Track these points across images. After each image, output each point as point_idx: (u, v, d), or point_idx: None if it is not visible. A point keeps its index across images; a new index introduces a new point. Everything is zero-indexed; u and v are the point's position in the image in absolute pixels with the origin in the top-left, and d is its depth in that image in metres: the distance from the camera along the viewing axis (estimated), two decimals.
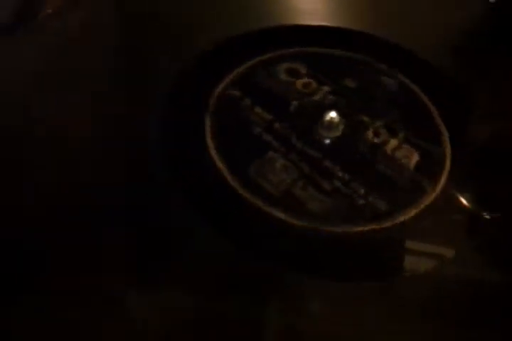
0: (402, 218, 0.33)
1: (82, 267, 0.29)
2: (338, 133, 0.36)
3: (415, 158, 0.36)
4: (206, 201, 0.33)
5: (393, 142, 0.37)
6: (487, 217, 0.34)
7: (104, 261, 0.30)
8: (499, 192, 0.35)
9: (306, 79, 0.39)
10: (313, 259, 0.32)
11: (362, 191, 0.34)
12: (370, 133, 0.37)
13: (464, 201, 0.34)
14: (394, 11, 0.44)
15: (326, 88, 0.39)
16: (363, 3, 0.44)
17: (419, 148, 0.37)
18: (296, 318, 0.30)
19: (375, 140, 0.37)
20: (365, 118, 0.38)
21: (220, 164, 0.34)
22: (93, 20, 0.39)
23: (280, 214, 0.33)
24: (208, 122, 0.36)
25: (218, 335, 0.29)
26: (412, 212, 0.33)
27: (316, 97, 0.38)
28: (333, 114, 0.36)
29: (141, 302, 0.29)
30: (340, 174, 0.35)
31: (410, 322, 0.30)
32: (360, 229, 0.33)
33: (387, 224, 0.33)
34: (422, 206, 0.34)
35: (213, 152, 0.34)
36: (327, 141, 0.36)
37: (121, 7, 0.40)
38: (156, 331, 0.28)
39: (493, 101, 0.39)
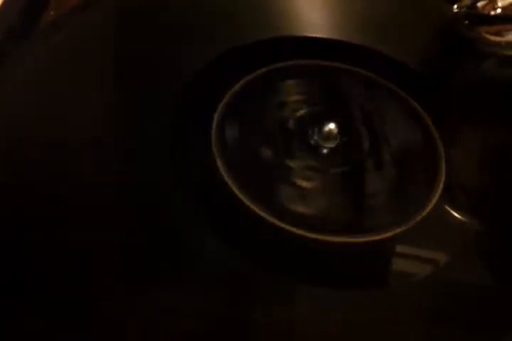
0: (398, 229, 0.35)
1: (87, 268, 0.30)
2: (335, 143, 0.38)
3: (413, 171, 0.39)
4: (209, 206, 0.34)
5: (387, 157, 0.39)
6: (478, 227, 0.36)
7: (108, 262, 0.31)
8: (490, 205, 0.38)
9: (304, 91, 0.41)
10: (313, 268, 0.33)
11: (361, 203, 0.36)
12: (366, 145, 0.39)
13: (456, 214, 0.37)
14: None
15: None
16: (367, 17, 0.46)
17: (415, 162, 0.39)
18: (297, 326, 0.31)
19: (372, 154, 0.39)
20: (362, 130, 0.39)
21: (223, 171, 0.35)
22: (102, 23, 0.39)
23: (280, 224, 0.34)
24: (214, 128, 0.37)
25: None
26: (409, 224, 0.35)
27: (314, 108, 0.40)
28: (331, 126, 0.38)
29: (141, 302, 0.30)
30: (340, 185, 0.37)
31: (405, 326, 0.32)
32: (358, 239, 0.34)
33: (385, 234, 0.35)
34: (418, 218, 0.36)
35: (218, 161, 0.36)
36: (325, 151, 0.38)
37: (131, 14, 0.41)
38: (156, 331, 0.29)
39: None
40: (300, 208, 0.35)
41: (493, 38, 0.43)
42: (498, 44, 0.43)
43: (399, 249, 0.35)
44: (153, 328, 0.29)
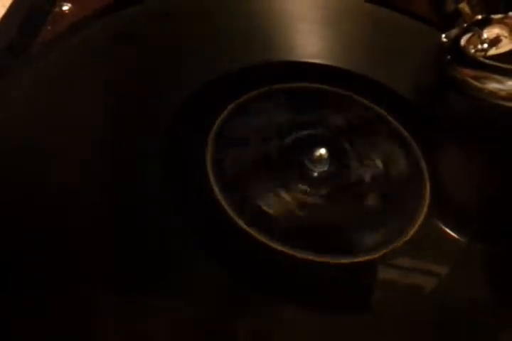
0: (390, 248, 0.36)
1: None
2: (326, 167, 0.39)
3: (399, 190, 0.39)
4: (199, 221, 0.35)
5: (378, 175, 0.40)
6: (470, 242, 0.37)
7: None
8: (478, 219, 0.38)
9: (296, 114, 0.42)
10: (308, 290, 0.34)
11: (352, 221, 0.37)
12: (355, 167, 0.40)
13: (446, 229, 0.37)
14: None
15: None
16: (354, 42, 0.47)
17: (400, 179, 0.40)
18: None
19: (361, 174, 0.40)
20: (351, 154, 0.40)
21: (217, 190, 0.36)
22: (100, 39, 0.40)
23: (270, 242, 0.35)
24: (209, 152, 0.37)
25: None
26: (401, 241, 0.36)
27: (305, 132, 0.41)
28: (322, 151, 0.39)
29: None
30: (330, 206, 0.37)
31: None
32: (353, 260, 0.35)
33: (377, 255, 0.35)
34: (409, 235, 0.36)
35: (213, 181, 0.36)
36: (315, 174, 0.39)
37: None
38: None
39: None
40: (292, 227, 0.36)
41: (474, 82, 0.42)
42: (478, 90, 0.42)
43: (390, 267, 0.36)
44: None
